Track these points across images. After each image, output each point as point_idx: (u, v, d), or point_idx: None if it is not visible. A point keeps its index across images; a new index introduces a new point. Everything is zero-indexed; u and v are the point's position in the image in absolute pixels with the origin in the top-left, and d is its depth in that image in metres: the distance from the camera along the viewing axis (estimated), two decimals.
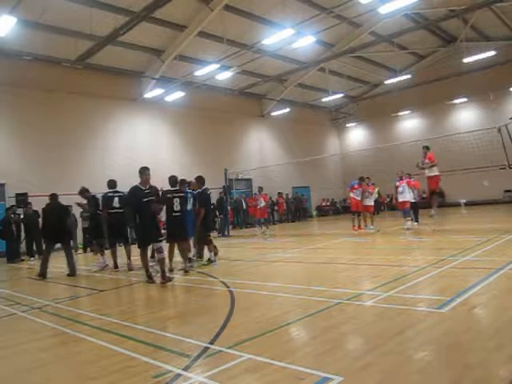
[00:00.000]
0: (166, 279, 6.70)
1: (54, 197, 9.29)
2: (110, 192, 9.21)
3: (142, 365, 3.31)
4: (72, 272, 8.82)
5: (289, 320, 4.20)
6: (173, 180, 8.18)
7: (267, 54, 18.85)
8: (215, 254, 9.07)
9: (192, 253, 9.11)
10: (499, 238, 8.85)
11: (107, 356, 3.60)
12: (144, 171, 7.08)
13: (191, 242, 8.86)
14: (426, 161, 11.45)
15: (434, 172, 11.41)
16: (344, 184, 26.40)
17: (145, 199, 6.85)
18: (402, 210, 13.05)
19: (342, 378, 2.73)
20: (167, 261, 7.73)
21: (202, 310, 5.13)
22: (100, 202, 9.32)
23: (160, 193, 8.05)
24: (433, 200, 11.61)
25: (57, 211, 9.04)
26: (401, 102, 25.88)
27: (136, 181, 7.19)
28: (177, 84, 18.76)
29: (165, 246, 7.48)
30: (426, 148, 11.77)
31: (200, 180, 8.91)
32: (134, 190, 7.01)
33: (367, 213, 13.79)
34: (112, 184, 9.42)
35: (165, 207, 7.96)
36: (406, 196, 12.77)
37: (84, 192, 9.70)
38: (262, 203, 16.58)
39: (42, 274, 8.72)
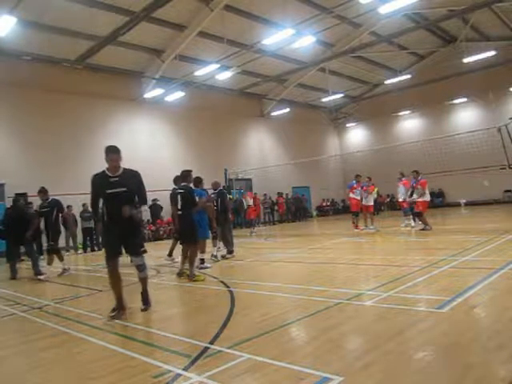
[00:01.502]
0: (148, 304, 5.19)
1: (16, 200, 9.75)
2: None
3: (141, 365, 3.31)
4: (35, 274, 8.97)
5: (289, 320, 4.20)
6: (182, 175, 7.51)
7: (267, 54, 18.86)
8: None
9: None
10: (499, 237, 8.84)
11: (107, 356, 3.60)
12: (109, 152, 4.93)
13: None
14: (419, 187, 11.74)
15: (424, 198, 11.87)
16: (344, 184, 26.40)
17: (110, 190, 4.79)
18: (403, 210, 13.60)
19: (341, 378, 2.73)
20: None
21: (202, 310, 5.13)
22: (59, 204, 9.22)
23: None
24: (422, 219, 11.90)
25: (19, 215, 9.30)
26: (401, 101, 25.87)
27: None
28: (177, 84, 18.76)
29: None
30: (416, 173, 12.17)
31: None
32: (95, 178, 4.97)
33: (367, 213, 13.83)
34: None
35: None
36: (402, 197, 13.33)
37: (44, 192, 9.11)
38: (250, 202, 16.55)
39: (13, 277, 9.22)
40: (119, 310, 4.91)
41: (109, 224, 4.91)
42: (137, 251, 5.02)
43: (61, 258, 9.18)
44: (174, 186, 9.05)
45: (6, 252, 13.48)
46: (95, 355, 3.69)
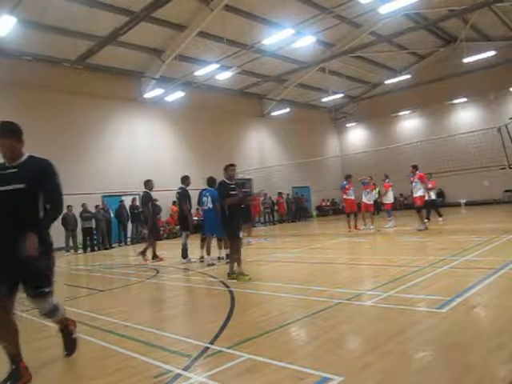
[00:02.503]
0: (71, 350, 3.62)
1: None
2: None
3: (141, 365, 3.31)
4: None
5: (289, 320, 4.19)
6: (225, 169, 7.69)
7: (267, 54, 18.85)
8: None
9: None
10: (499, 238, 8.84)
11: (107, 356, 3.60)
12: None
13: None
14: (416, 180, 11.89)
15: (420, 193, 11.96)
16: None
17: (1, 188, 3.14)
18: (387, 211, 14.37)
19: (341, 378, 2.73)
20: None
21: (202, 310, 5.13)
22: None
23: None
24: (420, 215, 12.00)
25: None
26: (401, 101, 25.87)
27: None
28: (177, 84, 18.77)
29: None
30: (414, 167, 12.16)
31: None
32: None
33: (367, 212, 13.86)
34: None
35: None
36: (389, 198, 14.09)
37: None
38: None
39: None
40: (17, 375, 3.09)
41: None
42: (36, 291, 3.21)
43: None
44: (181, 185, 9.27)
45: None
46: (95, 355, 3.69)
